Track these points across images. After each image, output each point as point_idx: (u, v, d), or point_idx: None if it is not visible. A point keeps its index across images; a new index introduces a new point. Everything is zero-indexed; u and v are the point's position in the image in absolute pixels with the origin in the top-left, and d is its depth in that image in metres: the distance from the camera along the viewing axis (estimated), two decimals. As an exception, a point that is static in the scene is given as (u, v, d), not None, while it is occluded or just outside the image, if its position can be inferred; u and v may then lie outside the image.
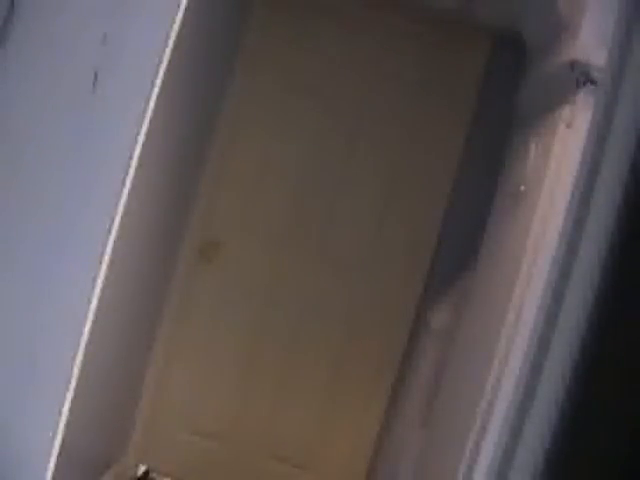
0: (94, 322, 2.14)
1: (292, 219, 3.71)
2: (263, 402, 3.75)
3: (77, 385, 2.13)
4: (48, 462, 2.11)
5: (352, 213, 3.70)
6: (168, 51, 2.13)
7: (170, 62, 2.15)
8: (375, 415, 3.67)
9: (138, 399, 3.59)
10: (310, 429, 3.71)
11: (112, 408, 3.07)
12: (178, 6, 2.13)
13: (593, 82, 2.05)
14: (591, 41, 2.09)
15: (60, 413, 2.10)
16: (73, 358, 2.11)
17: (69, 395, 2.12)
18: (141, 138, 2.12)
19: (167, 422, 3.73)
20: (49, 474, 2.11)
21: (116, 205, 2.11)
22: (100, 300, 2.14)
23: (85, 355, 2.13)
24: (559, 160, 2.14)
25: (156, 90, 2.13)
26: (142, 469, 3.63)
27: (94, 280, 2.11)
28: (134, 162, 2.12)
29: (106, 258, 2.12)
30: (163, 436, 3.72)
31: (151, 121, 2.14)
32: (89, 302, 2.11)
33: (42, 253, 2.11)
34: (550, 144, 2.24)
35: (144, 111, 2.11)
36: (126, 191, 2.12)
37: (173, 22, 2.12)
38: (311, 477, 3.72)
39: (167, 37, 2.12)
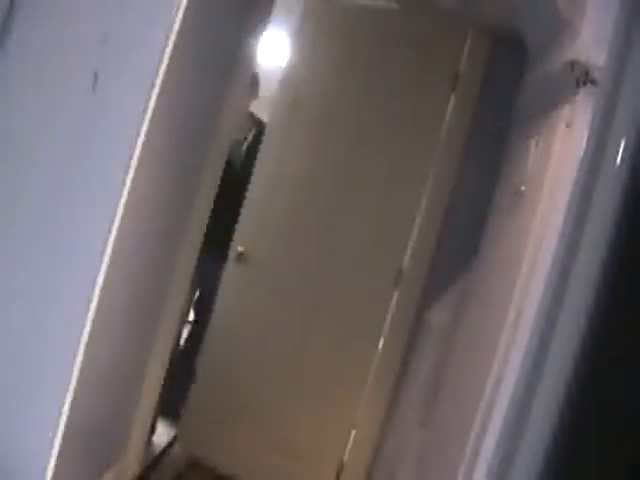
0: (94, 322, 2.14)
1: (292, 218, 3.72)
2: (264, 402, 3.75)
3: (77, 385, 2.13)
4: (48, 462, 2.10)
5: (353, 213, 3.70)
6: (168, 51, 2.13)
7: (170, 62, 2.15)
8: (375, 415, 3.67)
9: (138, 399, 3.58)
10: (310, 429, 3.72)
11: (112, 409, 3.07)
12: (178, 6, 2.13)
13: (593, 82, 2.04)
14: (591, 41, 2.08)
15: (60, 413, 2.10)
16: (73, 358, 2.11)
17: (69, 395, 2.11)
18: (141, 138, 2.12)
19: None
20: (49, 474, 2.11)
21: (116, 205, 2.11)
22: (100, 300, 2.14)
23: (85, 355, 2.13)
24: (559, 160, 2.14)
25: (156, 90, 2.12)
26: (142, 469, 3.62)
27: (94, 280, 2.11)
28: (134, 162, 2.12)
29: (106, 258, 2.12)
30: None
31: (151, 121, 2.14)
32: (89, 302, 2.11)
33: (42, 253, 2.11)
34: (550, 144, 2.24)
35: (144, 111, 2.11)
36: (126, 191, 2.12)
37: (173, 22, 2.12)
38: (311, 477, 3.73)
39: (167, 37, 2.12)
